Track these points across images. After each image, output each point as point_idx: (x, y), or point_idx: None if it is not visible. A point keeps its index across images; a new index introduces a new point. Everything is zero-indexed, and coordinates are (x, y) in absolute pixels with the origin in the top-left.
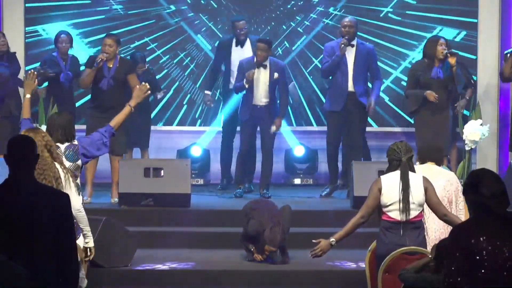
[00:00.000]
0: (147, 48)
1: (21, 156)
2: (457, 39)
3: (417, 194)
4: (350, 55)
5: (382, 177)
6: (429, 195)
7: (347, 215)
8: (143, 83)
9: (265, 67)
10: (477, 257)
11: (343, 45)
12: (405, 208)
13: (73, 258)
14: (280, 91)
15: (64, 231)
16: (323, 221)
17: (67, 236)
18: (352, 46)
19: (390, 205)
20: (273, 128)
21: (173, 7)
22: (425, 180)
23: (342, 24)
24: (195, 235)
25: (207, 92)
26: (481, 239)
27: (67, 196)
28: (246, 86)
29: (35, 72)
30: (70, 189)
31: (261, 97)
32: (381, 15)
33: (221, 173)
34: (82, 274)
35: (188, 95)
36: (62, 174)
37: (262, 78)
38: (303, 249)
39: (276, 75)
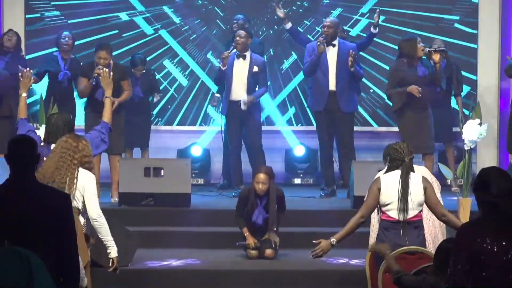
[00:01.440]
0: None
1: (22, 156)
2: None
3: (416, 194)
4: (332, 55)
5: (381, 176)
6: (428, 195)
7: (347, 215)
8: (105, 69)
9: (244, 57)
10: (482, 257)
11: (319, 43)
12: (404, 208)
13: (74, 258)
14: (259, 86)
15: (65, 231)
16: (323, 221)
17: (67, 236)
18: (334, 46)
19: (389, 204)
20: (241, 101)
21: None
22: (425, 180)
23: (324, 24)
24: (195, 235)
25: (216, 94)
26: (487, 239)
27: (68, 197)
28: (223, 68)
29: (31, 71)
30: (93, 196)
31: (239, 90)
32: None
33: (222, 174)
34: (83, 273)
35: (190, 95)
36: (93, 181)
37: (240, 69)
38: (303, 249)
39: (255, 68)
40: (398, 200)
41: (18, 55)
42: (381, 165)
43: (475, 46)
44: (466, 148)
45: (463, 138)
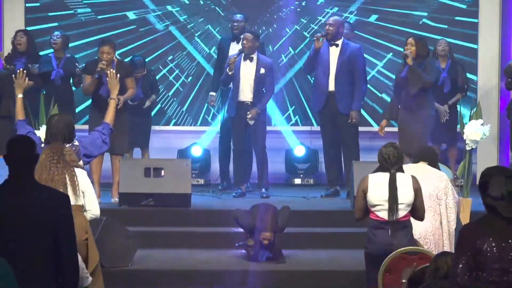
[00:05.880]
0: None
1: (21, 157)
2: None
3: (405, 195)
4: (334, 55)
5: (369, 176)
6: (416, 197)
7: (347, 215)
8: (112, 70)
9: (251, 59)
10: (483, 258)
11: (315, 38)
12: (394, 208)
13: (73, 258)
14: (266, 89)
15: (64, 232)
16: (323, 221)
17: (66, 236)
18: (337, 46)
19: (378, 205)
20: (248, 116)
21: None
22: (415, 181)
23: (327, 21)
24: (195, 235)
25: (211, 93)
26: (488, 240)
27: (67, 197)
28: (230, 73)
29: (24, 71)
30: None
31: (246, 92)
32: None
33: (219, 174)
34: (85, 273)
35: (190, 95)
36: (88, 179)
37: (247, 71)
38: (304, 249)
39: (262, 70)
40: (388, 201)
41: (34, 54)
42: None
43: (475, 46)
44: (467, 148)
45: (464, 138)
